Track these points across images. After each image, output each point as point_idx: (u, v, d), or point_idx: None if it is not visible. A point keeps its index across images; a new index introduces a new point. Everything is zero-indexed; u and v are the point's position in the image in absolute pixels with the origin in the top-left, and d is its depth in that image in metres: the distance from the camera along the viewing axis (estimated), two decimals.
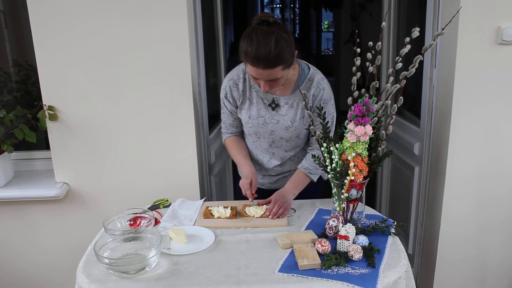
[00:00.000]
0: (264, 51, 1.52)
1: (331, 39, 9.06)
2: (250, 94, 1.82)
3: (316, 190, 1.98)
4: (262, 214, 1.71)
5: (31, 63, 2.34)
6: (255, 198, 1.79)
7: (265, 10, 12.32)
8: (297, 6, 10.56)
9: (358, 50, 1.53)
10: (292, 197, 1.79)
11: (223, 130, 1.99)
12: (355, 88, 1.52)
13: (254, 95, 1.82)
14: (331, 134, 1.66)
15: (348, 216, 1.56)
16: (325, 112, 1.59)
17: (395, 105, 1.45)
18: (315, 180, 1.86)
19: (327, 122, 1.58)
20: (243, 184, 1.78)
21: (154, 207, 1.85)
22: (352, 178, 1.46)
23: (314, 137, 1.57)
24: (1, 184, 2.17)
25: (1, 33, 2.41)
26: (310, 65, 1.83)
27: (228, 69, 2.02)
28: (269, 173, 1.98)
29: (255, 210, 1.73)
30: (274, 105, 1.81)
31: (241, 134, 1.99)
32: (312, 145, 1.86)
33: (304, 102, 1.57)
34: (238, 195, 2.17)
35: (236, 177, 2.17)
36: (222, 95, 1.88)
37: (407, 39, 1.43)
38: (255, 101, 1.82)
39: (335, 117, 1.83)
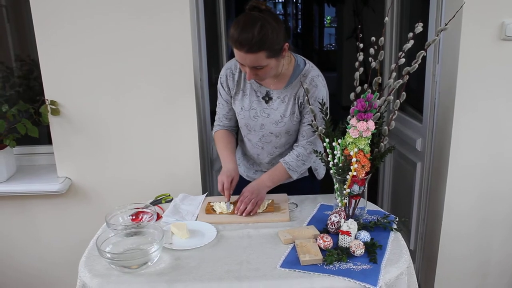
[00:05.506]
0: (247, 35, 1.52)
1: (333, 35, 9.02)
2: (244, 85, 1.81)
3: (313, 190, 1.94)
4: (230, 212, 1.70)
5: (33, 58, 2.34)
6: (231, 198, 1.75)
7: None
8: (300, 1, 10.52)
9: (361, 45, 1.52)
10: (266, 190, 1.75)
11: (215, 123, 1.96)
12: (357, 84, 1.51)
13: (248, 87, 1.81)
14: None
15: (350, 212, 1.56)
16: (327, 108, 1.59)
17: (398, 100, 1.45)
18: (294, 177, 1.82)
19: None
20: (223, 181, 1.73)
21: (156, 202, 1.85)
22: (354, 173, 1.45)
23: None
24: (4, 178, 2.18)
25: (3, 28, 2.41)
26: (307, 61, 1.80)
27: None
28: (261, 169, 1.97)
29: (223, 206, 1.72)
30: (267, 98, 1.79)
31: (233, 129, 1.96)
32: (299, 142, 1.81)
33: (306, 97, 1.57)
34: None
35: None
36: (218, 84, 1.87)
37: (410, 34, 1.42)
38: (248, 93, 1.81)
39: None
